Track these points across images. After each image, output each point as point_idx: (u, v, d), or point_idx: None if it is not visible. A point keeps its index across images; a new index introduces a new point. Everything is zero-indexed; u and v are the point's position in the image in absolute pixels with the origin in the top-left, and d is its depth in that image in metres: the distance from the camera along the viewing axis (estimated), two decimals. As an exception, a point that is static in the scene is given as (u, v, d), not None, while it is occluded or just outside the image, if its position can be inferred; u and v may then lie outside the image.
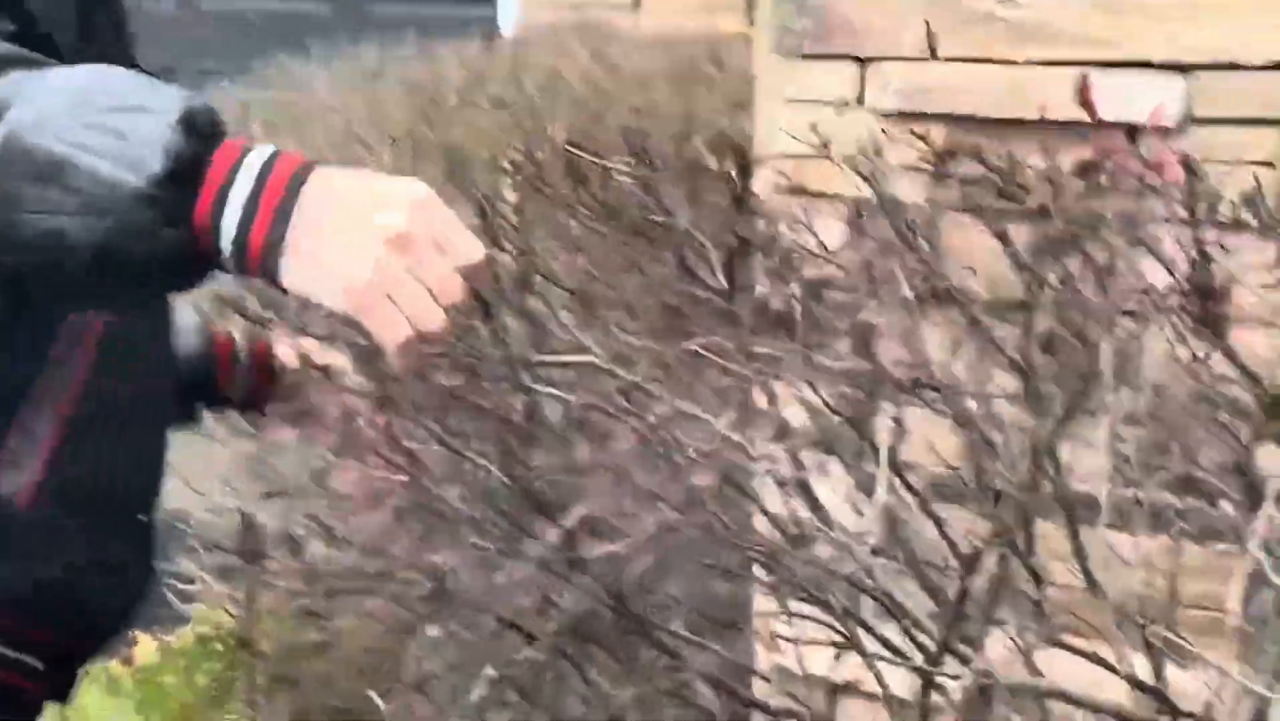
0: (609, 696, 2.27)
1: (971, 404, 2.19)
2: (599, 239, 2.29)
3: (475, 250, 1.23)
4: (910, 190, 2.52)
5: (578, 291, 2.27)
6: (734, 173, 2.30)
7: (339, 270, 1.16)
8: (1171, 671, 2.25)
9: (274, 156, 1.20)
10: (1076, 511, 2.25)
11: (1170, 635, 2.19)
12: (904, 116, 2.67)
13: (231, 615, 3.07)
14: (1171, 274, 2.21)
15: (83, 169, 1.14)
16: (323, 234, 1.16)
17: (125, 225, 1.15)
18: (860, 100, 2.77)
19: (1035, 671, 2.34)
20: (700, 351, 2.23)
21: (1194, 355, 2.20)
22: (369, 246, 1.16)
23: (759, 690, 2.58)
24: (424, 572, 2.24)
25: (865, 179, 2.47)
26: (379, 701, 2.39)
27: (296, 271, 1.17)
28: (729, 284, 2.29)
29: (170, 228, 1.17)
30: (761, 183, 2.70)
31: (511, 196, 2.35)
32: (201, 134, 1.17)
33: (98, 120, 1.14)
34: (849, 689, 2.48)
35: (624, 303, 2.30)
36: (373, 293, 1.17)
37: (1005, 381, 2.29)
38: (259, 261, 1.17)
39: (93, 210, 1.13)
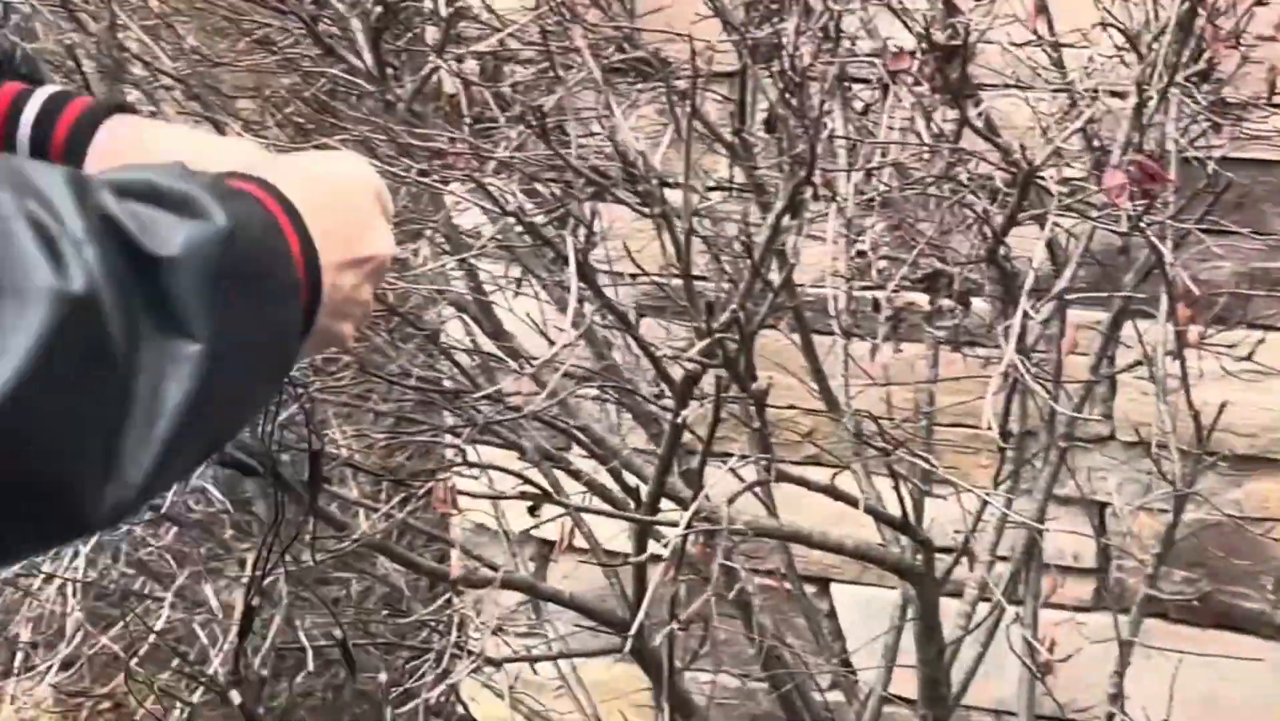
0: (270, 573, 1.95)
1: (680, 197, 1.90)
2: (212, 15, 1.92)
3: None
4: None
5: (191, 77, 1.90)
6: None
7: (346, 327, 0.95)
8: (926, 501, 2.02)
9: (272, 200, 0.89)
10: (808, 319, 1.99)
11: (922, 460, 1.95)
12: None
13: None
14: (910, 31, 1.93)
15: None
16: (341, 310, 0.94)
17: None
18: None
19: (770, 511, 2.09)
20: (348, 147, 1.91)
21: (939, 129, 1.93)
22: (369, 285, 0.96)
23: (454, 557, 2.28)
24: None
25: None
26: None
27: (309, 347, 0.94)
28: (380, 64, 1.95)
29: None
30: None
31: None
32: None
33: (254, 300, 0.83)
34: (555, 546, 2.19)
35: (252, 89, 1.94)
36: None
37: (719, 168, 2.00)
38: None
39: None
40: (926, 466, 1.93)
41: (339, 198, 0.96)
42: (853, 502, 1.83)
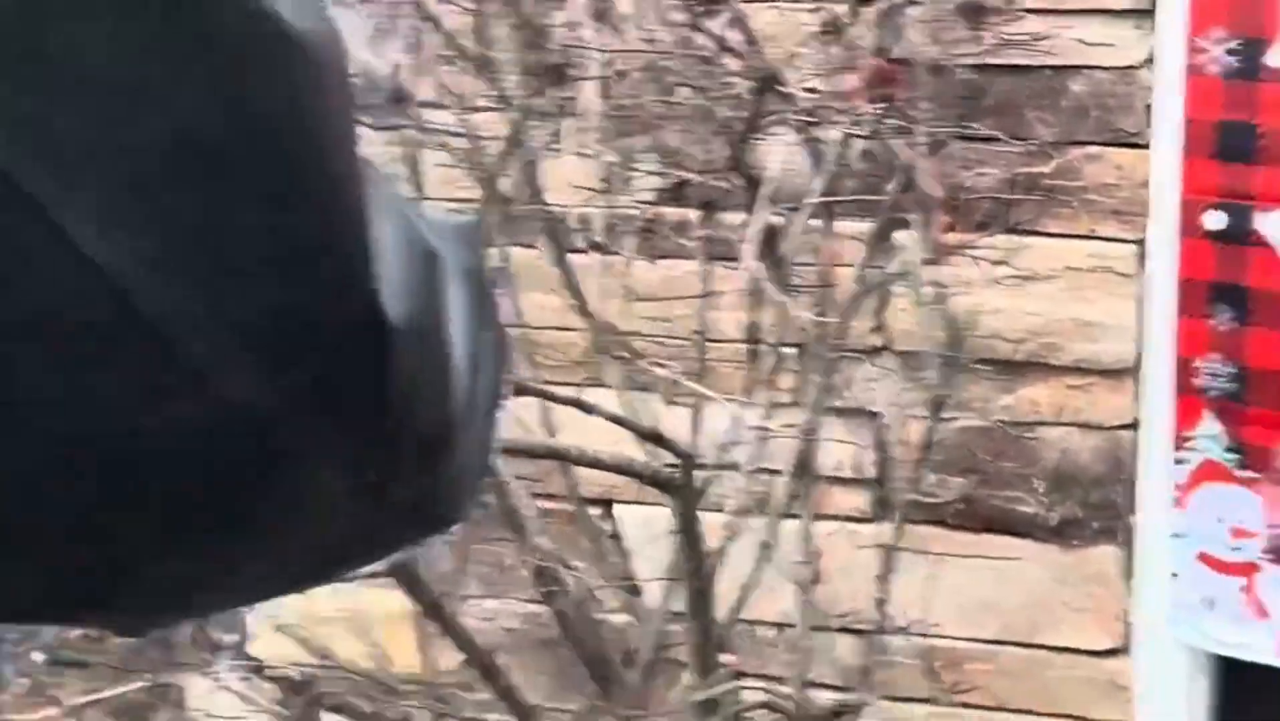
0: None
1: (433, 116, 1.92)
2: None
3: None
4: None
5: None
6: None
7: None
8: (680, 414, 2.04)
9: None
10: (560, 232, 2.01)
11: (678, 374, 1.97)
12: None
13: None
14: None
15: None
16: None
17: None
18: None
19: (549, 432, 2.11)
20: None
21: (682, 38, 1.95)
22: None
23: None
24: None
25: None
26: None
27: None
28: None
29: None
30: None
31: None
32: None
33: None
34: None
35: None
36: None
37: (466, 84, 2.02)
38: None
39: None
40: (686, 381, 1.96)
41: None
42: (591, 412, 1.86)
